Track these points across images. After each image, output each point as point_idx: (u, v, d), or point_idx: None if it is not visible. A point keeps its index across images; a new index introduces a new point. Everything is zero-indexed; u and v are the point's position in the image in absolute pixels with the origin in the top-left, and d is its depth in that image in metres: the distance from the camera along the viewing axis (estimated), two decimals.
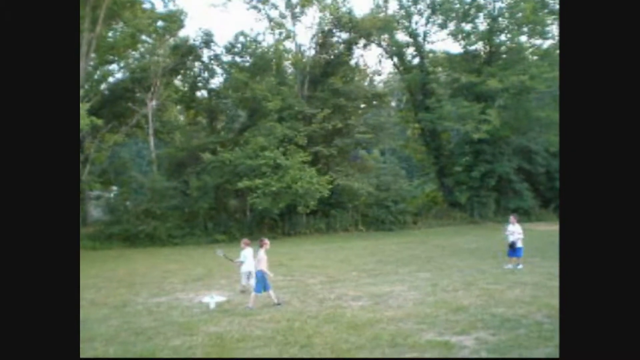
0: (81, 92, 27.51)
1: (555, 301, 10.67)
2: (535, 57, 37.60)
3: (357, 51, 38.95)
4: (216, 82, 38.67)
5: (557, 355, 5.32)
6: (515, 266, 15.80)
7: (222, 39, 69.53)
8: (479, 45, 38.30)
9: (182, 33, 36.52)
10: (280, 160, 29.02)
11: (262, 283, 11.33)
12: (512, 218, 17.24)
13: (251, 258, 12.88)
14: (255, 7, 35.70)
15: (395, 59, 41.42)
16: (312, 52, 36.32)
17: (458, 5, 37.30)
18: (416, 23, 39.46)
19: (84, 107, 23.81)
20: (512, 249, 16.34)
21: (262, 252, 11.50)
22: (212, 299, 11.89)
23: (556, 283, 12.78)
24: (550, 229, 29.54)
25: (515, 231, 16.48)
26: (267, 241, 11.99)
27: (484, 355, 7.34)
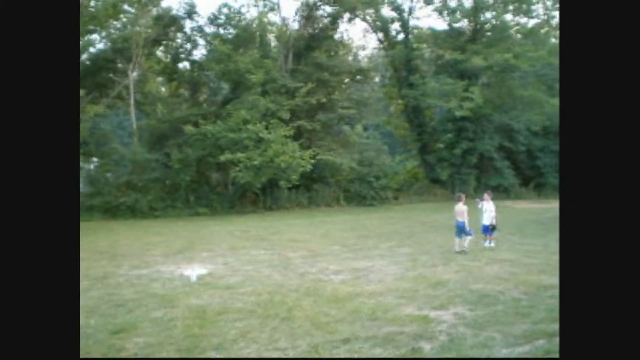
0: None
1: (532, 278, 10.86)
2: (519, 36, 37.66)
3: (342, 25, 38.87)
4: (199, 54, 38.17)
5: (555, 355, 5.37)
6: (489, 243, 15.63)
7: (205, 10, 68.41)
8: (464, 22, 38.20)
9: (164, 3, 36.08)
10: (262, 134, 28.84)
11: (462, 231, 14.30)
12: (486, 195, 16.60)
13: None
14: None
15: (380, 34, 41.17)
16: (297, 25, 36.01)
17: None
18: None
19: None
20: (492, 228, 15.90)
21: (461, 205, 14.57)
22: (194, 271, 11.93)
23: (534, 260, 13.02)
24: (529, 207, 29.97)
25: (489, 209, 15.99)
26: (463, 196, 15.27)
27: (461, 330, 7.47)
